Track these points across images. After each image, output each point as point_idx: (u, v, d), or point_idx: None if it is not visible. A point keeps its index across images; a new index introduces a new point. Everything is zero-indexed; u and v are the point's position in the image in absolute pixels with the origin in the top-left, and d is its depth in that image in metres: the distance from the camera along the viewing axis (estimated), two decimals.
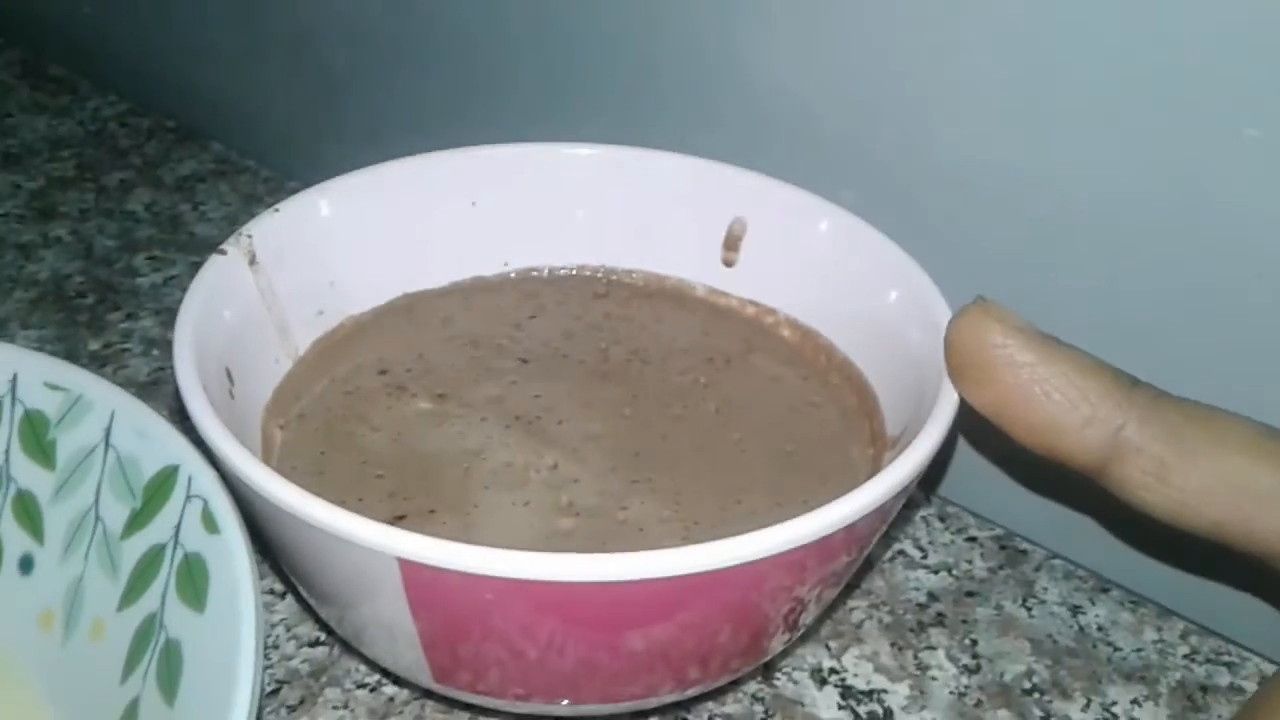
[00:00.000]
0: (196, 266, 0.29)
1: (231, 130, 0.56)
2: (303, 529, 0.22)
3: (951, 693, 0.30)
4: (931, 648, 0.32)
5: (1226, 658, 0.32)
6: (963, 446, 0.34)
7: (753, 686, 0.30)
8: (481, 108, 0.44)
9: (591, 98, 0.41)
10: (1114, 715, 0.30)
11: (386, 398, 0.31)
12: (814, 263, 0.33)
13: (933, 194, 0.33)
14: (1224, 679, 0.31)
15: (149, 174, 0.54)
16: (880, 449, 0.30)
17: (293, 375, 0.32)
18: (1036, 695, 0.31)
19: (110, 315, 0.44)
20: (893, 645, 0.32)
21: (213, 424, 0.24)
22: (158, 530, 0.24)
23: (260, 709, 0.28)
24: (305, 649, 0.31)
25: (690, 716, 0.29)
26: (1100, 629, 0.32)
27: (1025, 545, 0.35)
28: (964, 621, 0.33)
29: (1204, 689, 0.31)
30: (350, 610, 0.25)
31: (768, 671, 0.31)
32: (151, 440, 0.25)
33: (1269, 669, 0.32)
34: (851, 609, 0.33)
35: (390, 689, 0.30)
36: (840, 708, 0.30)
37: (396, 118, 0.48)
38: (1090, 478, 0.24)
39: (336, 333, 0.33)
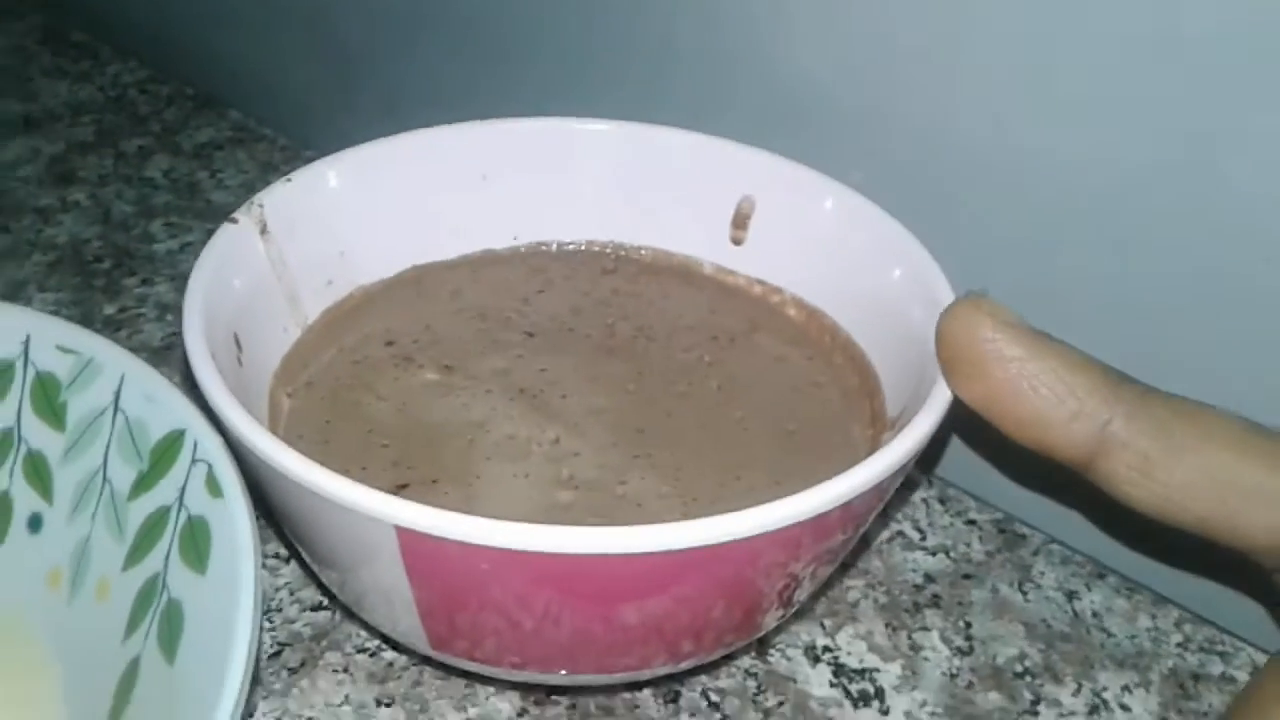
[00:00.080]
0: (212, 233, 0.29)
1: (250, 99, 0.56)
2: (304, 495, 0.22)
3: (943, 674, 0.31)
4: (926, 629, 0.32)
5: (1220, 647, 0.32)
6: (963, 430, 0.34)
7: (746, 662, 0.31)
8: (497, 83, 0.45)
9: (607, 75, 0.41)
10: (1104, 701, 0.30)
11: (393, 368, 0.31)
12: (820, 241, 0.33)
13: (943, 177, 0.33)
14: (1216, 668, 0.31)
15: (167, 140, 0.54)
16: (880, 429, 0.30)
17: (301, 344, 0.32)
18: (1028, 679, 0.31)
19: (126, 280, 0.44)
20: (887, 625, 0.32)
21: (219, 390, 0.24)
22: (163, 493, 0.25)
23: (260, 670, 0.29)
24: (308, 613, 0.31)
25: (684, 690, 0.30)
26: (1095, 615, 0.33)
27: (1024, 530, 0.35)
28: (959, 603, 0.33)
29: (1196, 677, 0.31)
30: (350, 576, 0.25)
31: (762, 647, 0.31)
32: (159, 404, 0.26)
33: (1261, 659, 0.32)
34: (848, 588, 0.33)
35: (390, 654, 0.30)
36: (832, 685, 0.30)
37: (413, 90, 0.48)
38: (1077, 472, 0.24)
39: (345, 303, 0.34)
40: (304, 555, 0.28)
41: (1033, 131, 0.31)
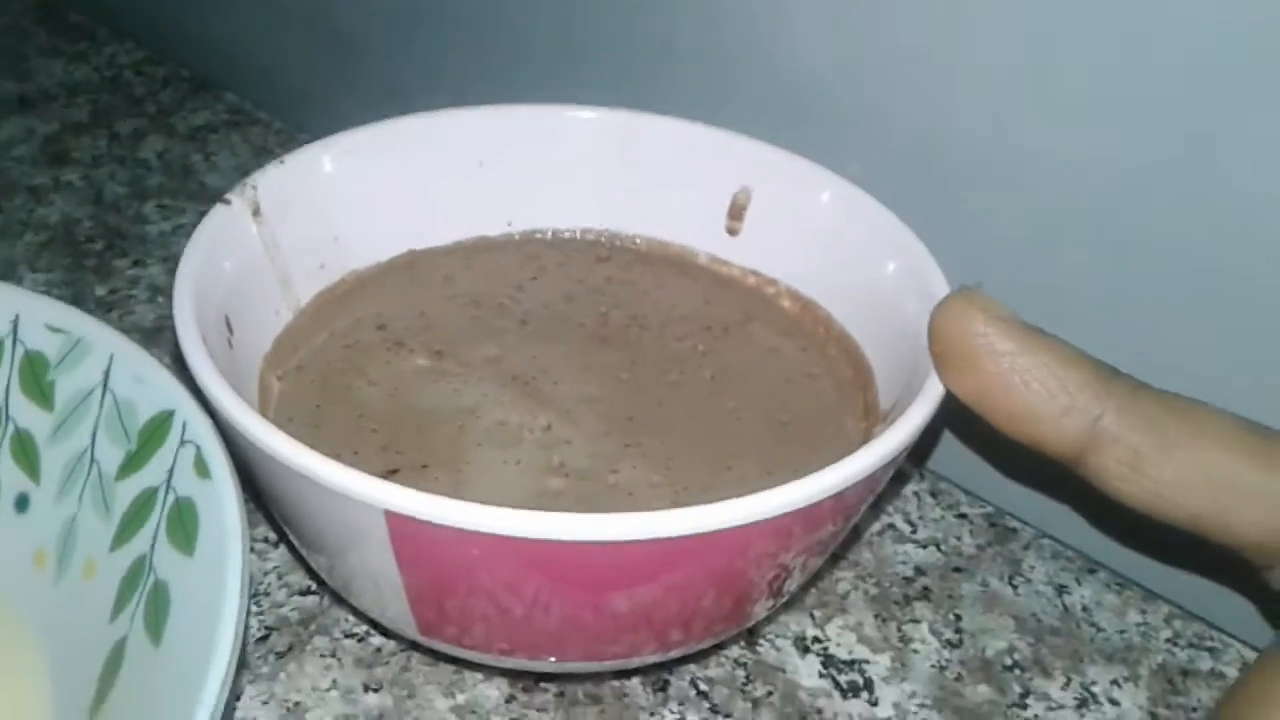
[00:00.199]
0: (205, 215, 0.29)
1: (245, 82, 0.56)
2: (293, 478, 0.22)
3: (932, 666, 0.31)
4: (915, 621, 0.32)
5: (1209, 643, 0.32)
6: (955, 424, 0.34)
7: (735, 651, 0.31)
8: (495, 70, 0.44)
9: (606, 65, 0.40)
10: (1093, 695, 0.30)
11: (385, 353, 0.31)
12: (816, 233, 0.33)
13: (940, 171, 0.33)
14: (1205, 664, 0.31)
15: (162, 122, 0.54)
16: (873, 422, 0.30)
17: (293, 327, 0.32)
18: (1017, 672, 0.31)
19: (118, 261, 0.44)
20: (877, 617, 0.32)
21: (209, 372, 0.24)
22: (151, 474, 0.25)
23: (247, 654, 0.29)
24: (296, 597, 0.31)
25: (673, 678, 0.30)
26: (1084, 609, 0.33)
27: (1015, 524, 0.35)
28: (949, 596, 0.33)
29: (1185, 673, 0.31)
30: (339, 561, 0.25)
31: (751, 637, 0.31)
32: (148, 385, 0.26)
33: (1250, 655, 0.32)
34: (838, 580, 0.33)
35: (378, 640, 0.30)
36: (821, 676, 0.30)
37: (410, 75, 0.48)
38: (1068, 467, 0.24)
39: (338, 287, 0.33)
40: (292, 539, 0.27)
41: (1030, 127, 0.31)
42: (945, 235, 0.30)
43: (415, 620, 0.25)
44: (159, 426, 0.25)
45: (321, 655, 0.30)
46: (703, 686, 0.30)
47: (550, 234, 0.36)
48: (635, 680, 0.30)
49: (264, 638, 0.30)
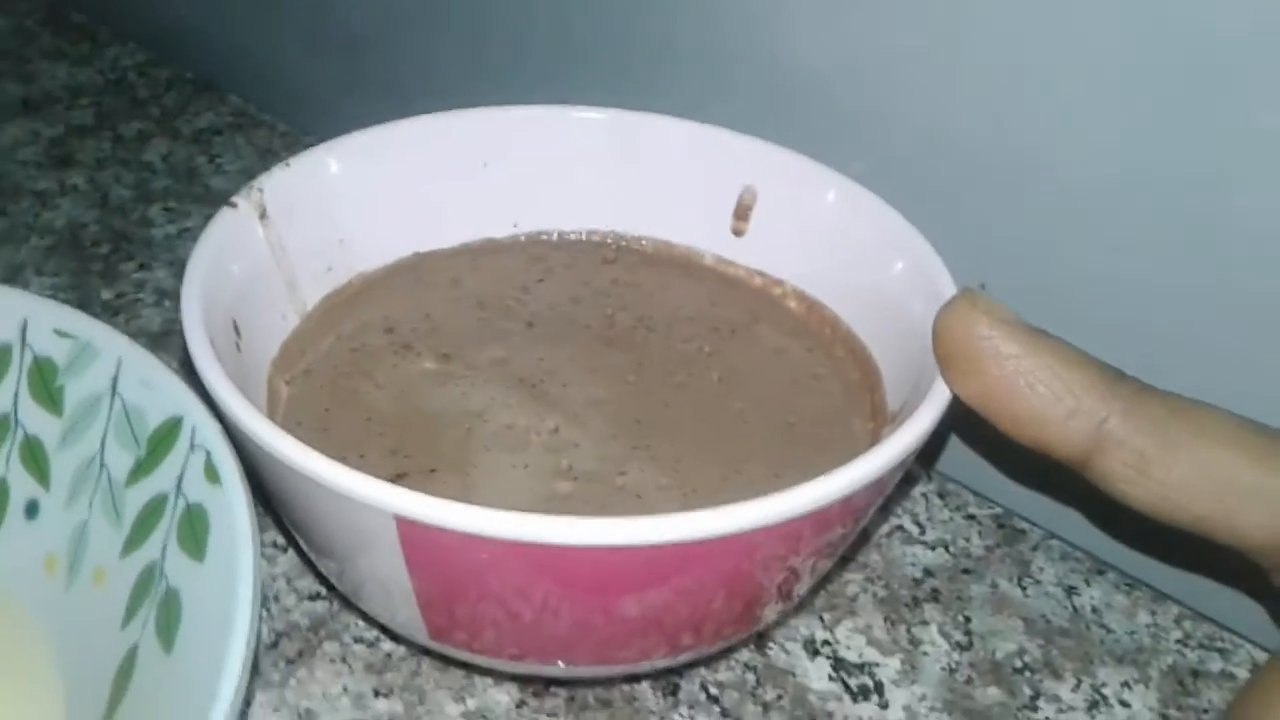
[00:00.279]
0: (211, 219, 0.29)
1: (250, 84, 0.56)
2: (303, 483, 0.22)
3: (942, 668, 0.31)
4: (925, 623, 0.32)
5: (1219, 644, 0.32)
6: (962, 425, 0.34)
7: (745, 655, 0.31)
8: (498, 69, 0.44)
9: (609, 64, 0.40)
10: (1104, 697, 0.30)
11: (392, 356, 0.31)
12: (821, 233, 0.33)
13: (945, 169, 0.33)
14: (1216, 665, 0.31)
15: (166, 125, 0.54)
16: (880, 423, 0.30)
17: (300, 331, 0.32)
18: (1027, 674, 0.31)
19: (124, 265, 0.44)
20: (886, 619, 0.32)
21: (218, 377, 0.24)
22: (161, 480, 0.25)
23: (258, 660, 0.29)
24: (305, 602, 0.31)
25: (683, 682, 0.30)
26: (1094, 610, 0.33)
27: (1023, 525, 0.35)
28: (959, 598, 0.33)
29: (1195, 674, 0.31)
30: (349, 565, 0.25)
31: (761, 641, 0.31)
32: (157, 390, 0.26)
33: (1261, 656, 0.32)
34: (847, 582, 0.33)
35: (388, 645, 0.30)
36: (831, 679, 0.30)
37: (414, 76, 0.48)
38: (1074, 469, 0.24)
39: (345, 290, 0.33)
40: (302, 544, 0.27)
41: (1034, 126, 0.31)
42: (949, 234, 0.30)
43: (425, 625, 0.25)
44: (168, 432, 0.25)
45: (332, 661, 0.30)
46: (713, 690, 0.30)
47: (556, 235, 0.36)
48: (645, 684, 0.30)
49: (274, 643, 0.30)
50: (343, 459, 0.22)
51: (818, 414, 0.31)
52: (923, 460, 0.36)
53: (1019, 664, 0.31)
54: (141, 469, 0.25)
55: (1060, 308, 0.28)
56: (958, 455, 0.36)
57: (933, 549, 0.34)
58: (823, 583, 0.32)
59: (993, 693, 0.30)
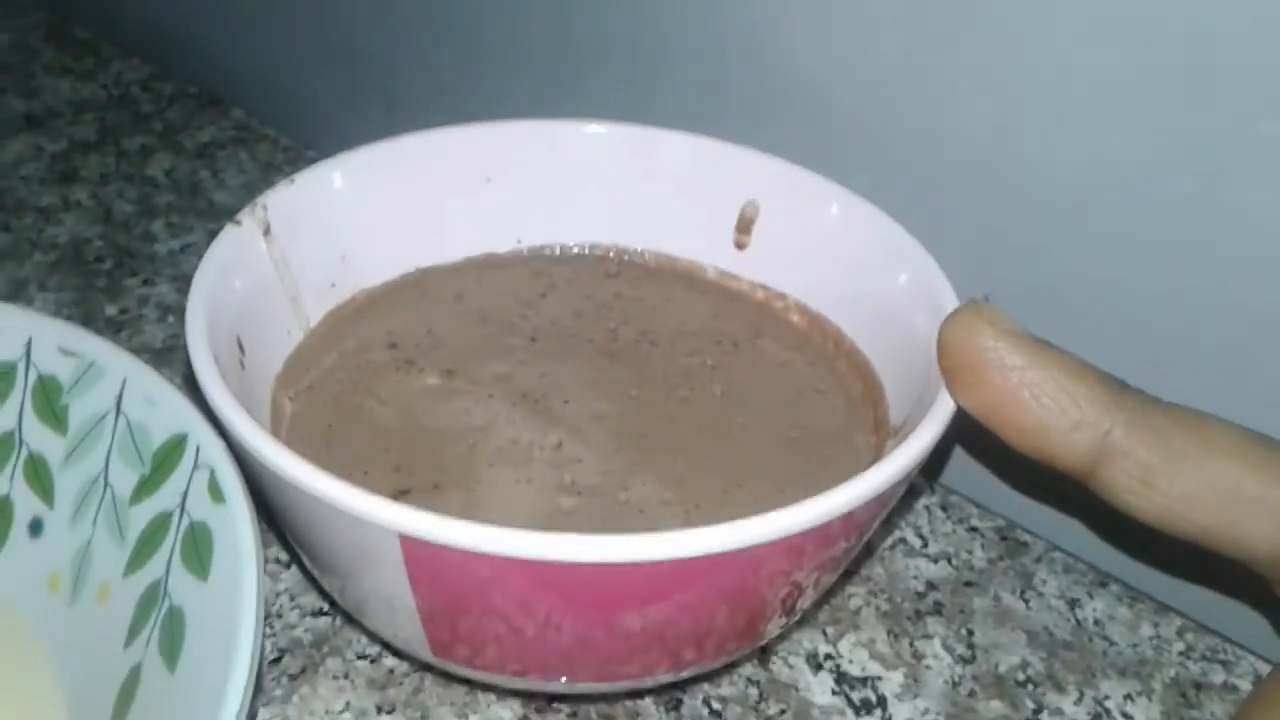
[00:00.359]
0: (214, 234, 0.29)
1: (252, 98, 0.56)
2: (306, 501, 0.22)
3: (945, 682, 0.31)
4: (928, 636, 0.32)
5: (1222, 656, 0.32)
6: (965, 437, 0.34)
7: (748, 669, 0.31)
8: (500, 82, 0.44)
9: (610, 77, 0.41)
10: (1107, 710, 0.30)
11: (395, 372, 0.31)
12: (824, 247, 0.33)
13: (948, 182, 0.33)
14: (1218, 677, 0.31)
15: (169, 139, 0.54)
16: (883, 437, 0.30)
17: (304, 347, 0.32)
18: (1030, 687, 0.31)
19: (127, 281, 0.44)
20: (889, 633, 0.32)
21: (221, 394, 0.24)
22: (165, 498, 0.25)
23: (261, 677, 0.29)
24: (308, 619, 0.31)
25: (686, 698, 0.30)
26: (1097, 623, 0.33)
27: (1026, 537, 0.35)
28: (961, 611, 0.33)
29: (1198, 686, 0.31)
30: (351, 582, 0.25)
31: (764, 655, 0.31)
32: (161, 408, 0.26)
33: (1264, 668, 0.32)
34: (850, 595, 0.33)
35: (390, 661, 0.30)
36: (834, 693, 0.30)
37: (416, 90, 0.48)
38: (1079, 481, 0.24)
39: (348, 305, 0.33)
40: (305, 561, 0.27)
41: (1038, 138, 0.31)
42: (952, 246, 0.30)
43: (428, 641, 0.25)
44: (172, 450, 0.25)
45: (334, 677, 0.30)
46: (716, 705, 0.30)
47: (559, 250, 0.36)
48: (648, 700, 0.30)
49: (277, 660, 0.30)
50: (346, 475, 0.22)
51: (821, 428, 0.31)
52: (926, 473, 0.36)
53: (1022, 677, 0.31)
54: (146, 487, 0.25)
55: (1063, 318, 0.28)
56: (960, 467, 0.36)
57: (935, 562, 0.34)
58: (826, 596, 0.32)
59: (995, 706, 0.30)
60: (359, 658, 0.30)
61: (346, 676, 0.30)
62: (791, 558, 0.24)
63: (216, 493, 0.24)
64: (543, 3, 0.41)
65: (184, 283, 0.28)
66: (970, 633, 0.32)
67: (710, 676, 0.30)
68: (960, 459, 0.36)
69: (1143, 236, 0.30)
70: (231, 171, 0.52)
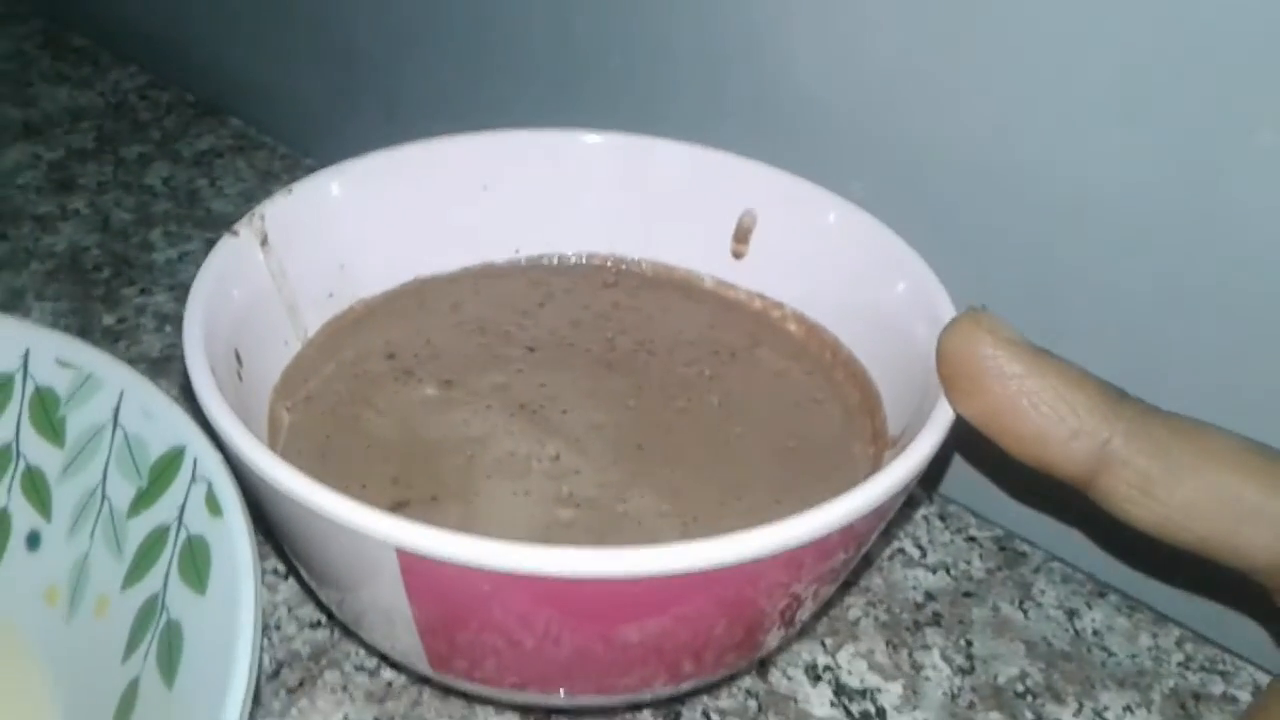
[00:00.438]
0: (212, 242, 0.29)
1: (250, 106, 0.56)
2: (303, 514, 0.22)
3: (944, 693, 0.31)
4: (926, 647, 0.32)
5: (1221, 666, 0.32)
6: (964, 447, 0.34)
7: (747, 682, 0.31)
8: (498, 91, 0.44)
9: (607, 84, 0.41)
10: None
11: (393, 382, 0.31)
12: (821, 256, 0.33)
13: (945, 190, 0.33)
14: (1217, 687, 0.31)
15: (167, 148, 0.54)
16: (881, 447, 0.30)
17: (301, 357, 0.32)
18: (1029, 698, 0.31)
19: (125, 290, 0.44)
20: (888, 644, 0.32)
21: (219, 407, 0.24)
22: (163, 511, 0.25)
23: (259, 690, 0.29)
24: (306, 631, 0.31)
25: (684, 710, 0.30)
26: (1096, 633, 0.33)
27: (1024, 547, 0.35)
28: (960, 622, 0.33)
29: (1197, 697, 0.31)
30: (349, 595, 0.25)
31: (763, 667, 0.31)
32: (159, 421, 0.26)
33: (1263, 678, 0.32)
34: (848, 606, 0.33)
35: (389, 674, 0.30)
36: (833, 705, 0.30)
37: (414, 99, 0.48)
38: (1078, 489, 0.24)
39: (346, 315, 0.33)
40: (302, 573, 0.27)
41: (1035, 145, 0.31)
42: (949, 254, 0.30)
43: (426, 654, 0.25)
44: (170, 463, 0.25)
45: (333, 690, 0.29)
46: (714, 718, 0.30)
47: (556, 259, 0.36)
48: (647, 713, 0.30)
49: (275, 672, 0.30)
50: (344, 488, 0.22)
51: (818, 438, 0.31)
52: (925, 483, 0.36)
53: (1021, 688, 0.31)
54: (143, 500, 0.25)
55: (1060, 326, 0.28)
56: (959, 477, 0.36)
57: (934, 572, 0.34)
58: (824, 607, 0.32)
59: (994, 717, 0.30)
60: (357, 670, 0.30)
61: (345, 689, 0.30)
62: (790, 570, 0.24)
63: (214, 506, 0.24)
64: (542, 11, 0.41)
65: (182, 291, 0.28)
66: (969, 643, 0.32)
67: (709, 689, 0.30)
68: (958, 468, 0.36)
69: (1140, 244, 0.30)
70: (229, 180, 0.52)
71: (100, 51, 0.63)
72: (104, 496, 0.26)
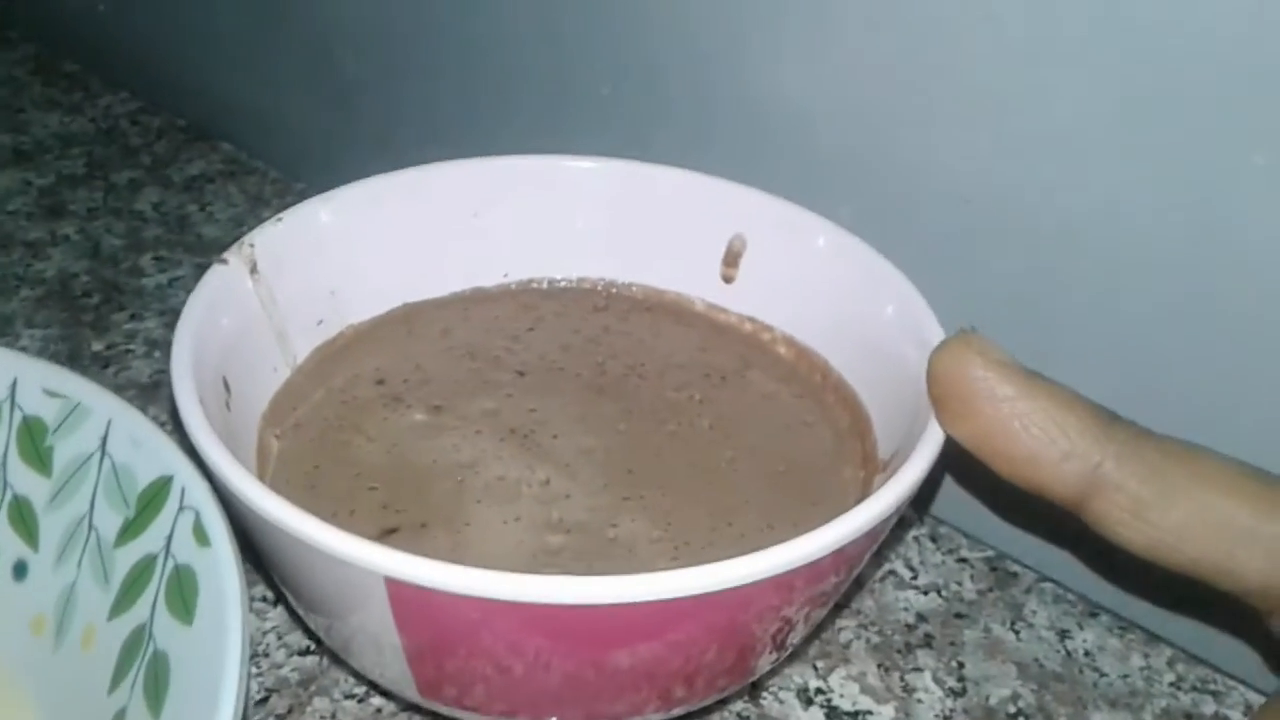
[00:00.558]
0: (202, 268, 0.29)
1: (242, 131, 0.56)
2: (292, 543, 0.22)
3: (936, 715, 0.31)
4: (918, 669, 0.32)
5: (1212, 686, 0.32)
6: (955, 468, 0.34)
7: (739, 705, 0.30)
8: (489, 117, 0.45)
9: (597, 110, 0.41)
10: None
11: (383, 408, 0.31)
12: (811, 279, 0.33)
13: (933, 213, 0.34)
14: (1209, 708, 0.31)
15: (158, 173, 0.54)
16: (871, 471, 0.30)
17: (291, 384, 0.32)
18: (1021, 719, 0.31)
19: (115, 316, 0.44)
20: (880, 666, 0.32)
21: (207, 437, 0.24)
22: (150, 540, 0.25)
23: (247, 718, 0.29)
24: (295, 658, 0.31)
25: None
26: (1087, 654, 0.33)
27: (1016, 568, 0.35)
28: (952, 643, 0.33)
29: (1189, 717, 0.31)
30: (338, 622, 0.25)
31: (754, 691, 0.31)
32: (146, 450, 0.26)
33: (1255, 698, 0.32)
34: (840, 629, 0.33)
35: (378, 700, 0.30)
36: None
37: (405, 125, 0.48)
38: (1069, 511, 0.24)
39: (336, 342, 0.33)
40: (291, 600, 0.27)
41: (1024, 170, 0.31)
42: (937, 277, 0.30)
43: (415, 681, 0.25)
44: (157, 492, 0.25)
45: (322, 717, 0.29)
46: None
47: (546, 284, 0.36)
48: None
49: (264, 700, 0.30)
50: (333, 514, 0.22)
51: (809, 462, 0.31)
52: (916, 504, 0.36)
53: (1013, 709, 0.31)
54: (130, 530, 0.25)
55: (1048, 349, 0.28)
56: (950, 498, 0.36)
57: (925, 594, 0.34)
58: (816, 630, 0.32)
59: None
60: (346, 697, 0.30)
61: (334, 716, 0.29)
62: (781, 594, 0.24)
63: (201, 536, 0.23)
64: (532, 38, 0.41)
65: (172, 317, 0.28)
66: (961, 665, 0.32)
67: (701, 713, 0.30)
68: (949, 490, 0.36)
69: (1129, 267, 0.30)
70: (220, 205, 0.52)
71: (91, 77, 0.63)
72: (91, 526, 0.26)
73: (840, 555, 0.23)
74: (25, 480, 0.27)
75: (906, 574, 0.35)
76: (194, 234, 0.49)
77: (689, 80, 0.38)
